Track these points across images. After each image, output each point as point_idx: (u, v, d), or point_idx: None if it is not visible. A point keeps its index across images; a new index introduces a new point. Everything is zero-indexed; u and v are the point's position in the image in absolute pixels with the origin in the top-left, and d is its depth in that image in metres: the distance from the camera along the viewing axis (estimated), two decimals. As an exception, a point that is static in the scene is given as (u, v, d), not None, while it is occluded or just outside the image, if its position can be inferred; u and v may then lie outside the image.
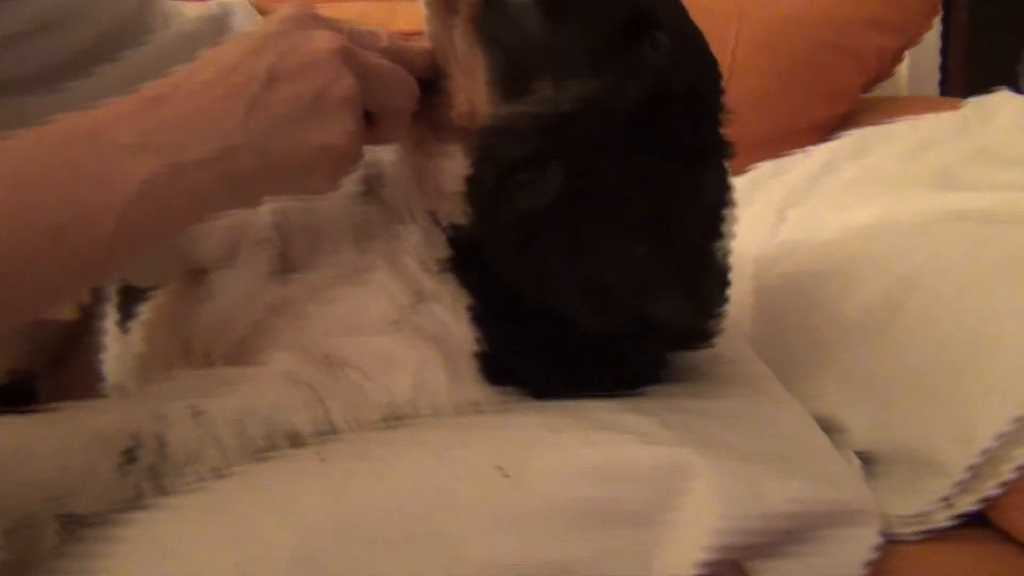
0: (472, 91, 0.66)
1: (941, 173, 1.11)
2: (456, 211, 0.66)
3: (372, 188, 0.72)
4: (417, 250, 0.68)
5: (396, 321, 0.67)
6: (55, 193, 0.51)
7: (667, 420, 0.63)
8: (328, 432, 0.64)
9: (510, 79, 0.64)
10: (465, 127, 0.66)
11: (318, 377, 0.65)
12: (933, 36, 2.12)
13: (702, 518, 0.54)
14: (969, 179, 1.07)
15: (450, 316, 0.67)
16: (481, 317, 0.67)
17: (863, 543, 0.60)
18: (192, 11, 0.94)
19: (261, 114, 0.57)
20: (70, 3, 0.80)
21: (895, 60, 1.70)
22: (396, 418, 0.65)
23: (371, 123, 0.63)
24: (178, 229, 0.58)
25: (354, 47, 0.61)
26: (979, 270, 0.80)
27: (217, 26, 0.93)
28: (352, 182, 0.72)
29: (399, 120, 0.65)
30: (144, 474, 0.57)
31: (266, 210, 0.72)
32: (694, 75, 0.65)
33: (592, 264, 0.62)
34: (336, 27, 0.63)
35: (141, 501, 0.57)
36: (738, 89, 1.66)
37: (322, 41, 0.60)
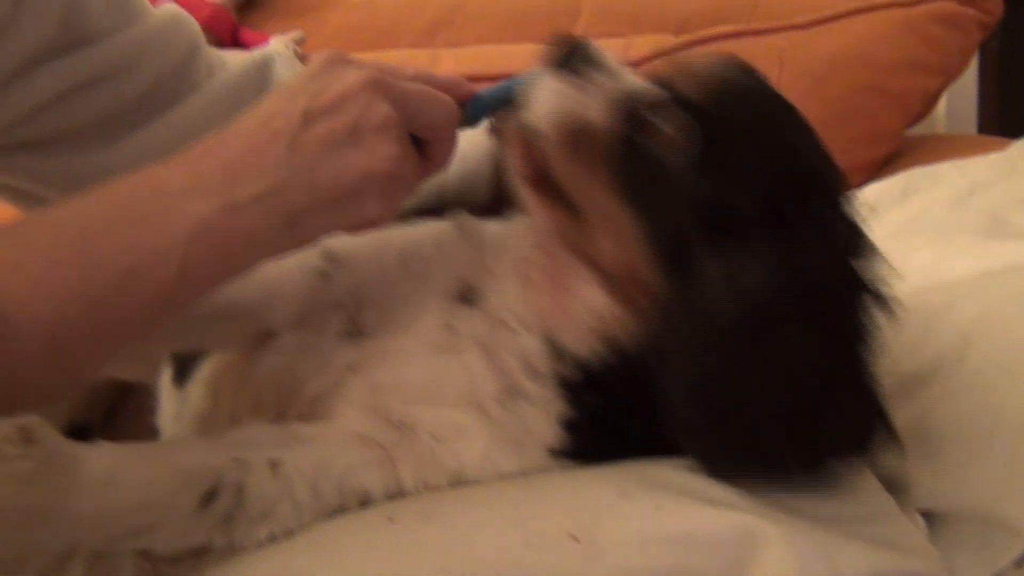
0: (622, 245, 0.64)
1: (991, 219, 1.10)
2: (580, 341, 0.66)
3: (467, 297, 0.71)
4: (522, 354, 0.68)
5: (475, 404, 0.67)
6: (119, 240, 0.54)
7: (739, 484, 0.63)
8: (397, 494, 0.64)
9: (668, 239, 0.62)
10: (617, 275, 0.64)
11: (390, 438, 0.65)
12: (969, 73, 2.12)
13: (778, 587, 0.54)
14: (1020, 225, 1.06)
15: (538, 418, 0.67)
16: (572, 424, 0.67)
17: (936, 609, 0.59)
18: (235, 61, 0.96)
19: (302, 151, 0.59)
20: (121, 57, 0.82)
21: (935, 100, 1.70)
22: (462, 483, 0.65)
23: (421, 150, 0.65)
24: (239, 269, 0.60)
25: (385, 76, 0.63)
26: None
27: (260, 76, 0.95)
28: (444, 286, 0.72)
29: (446, 141, 0.67)
30: (219, 519, 0.58)
31: (342, 279, 0.72)
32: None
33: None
34: (364, 64, 0.65)
35: (209, 554, 0.58)
36: (779, 132, 1.67)
37: (351, 76, 0.62)
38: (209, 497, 0.57)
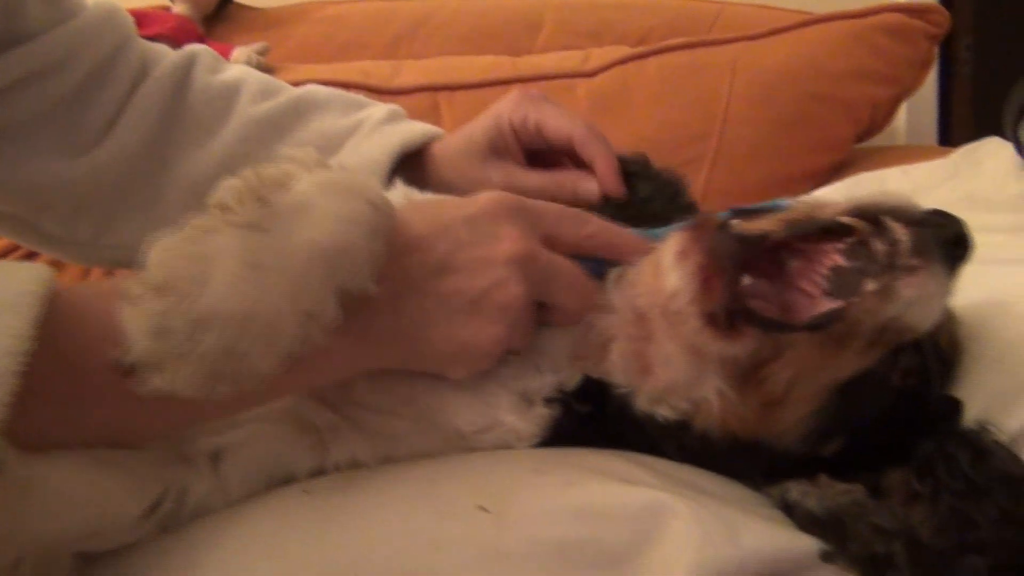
0: (785, 407, 0.64)
1: (930, 219, 1.13)
2: (659, 402, 0.66)
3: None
4: (526, 391, 0.67)
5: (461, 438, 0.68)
6: None
7: (655, 467, 0.64)
8: (320, 472, 0.65)
9: (827, 433, 0.65)
10: (771, 403, 0.64)
11: (329, 421, 0.66)
12: (930, 88, 2.16)
13: (678, 557, 0.54)
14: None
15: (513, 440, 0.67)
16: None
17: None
18: (165, 60, 0.95)
19: (420, 301, 0.59)
20: (57, 53, 0.84)
21: (889, 111, 1.73)
22: (389, 460, 0.66)
23: (543, 309, 0.65)
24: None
25: (537, 252, 0.62)
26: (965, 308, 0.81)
27: (181, 79, 0.94)
28: None
29: (569, 317, 0.67)
30: (158, 523, 0.59)
31: None
32: None
33: None
34: (537, 217, 0.63)
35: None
36: (732, 139, 1.71)
37: (505, 243, 0.61)
38: (155, 506, 0.58)
